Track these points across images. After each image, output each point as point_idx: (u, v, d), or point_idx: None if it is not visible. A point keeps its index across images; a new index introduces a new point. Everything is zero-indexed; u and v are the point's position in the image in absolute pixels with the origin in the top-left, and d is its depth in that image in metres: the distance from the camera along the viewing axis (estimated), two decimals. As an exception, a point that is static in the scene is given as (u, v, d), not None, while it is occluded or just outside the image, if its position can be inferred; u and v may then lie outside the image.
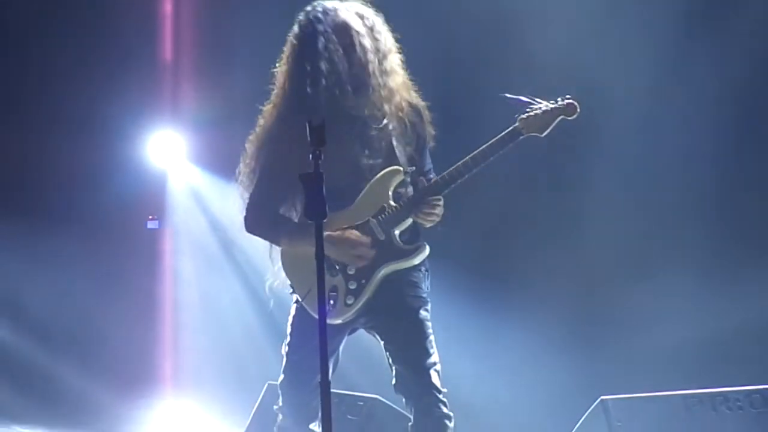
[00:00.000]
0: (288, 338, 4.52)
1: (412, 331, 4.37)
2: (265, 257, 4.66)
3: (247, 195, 4.51)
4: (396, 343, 4.39)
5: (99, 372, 8.47)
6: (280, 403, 4.55)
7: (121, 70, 8.57)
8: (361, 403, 5.71)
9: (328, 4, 4.47)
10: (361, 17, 4.46)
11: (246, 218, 4.52)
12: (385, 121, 4.43)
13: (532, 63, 6.68)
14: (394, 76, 4.48)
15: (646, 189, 6.96)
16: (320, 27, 4.41)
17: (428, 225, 4.42)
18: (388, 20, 4.55)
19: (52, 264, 8.53)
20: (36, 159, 8.74)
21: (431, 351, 4.37)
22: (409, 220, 4.41)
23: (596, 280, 6.93)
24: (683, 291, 6.62)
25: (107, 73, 8.56)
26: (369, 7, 4.51)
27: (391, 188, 4.40)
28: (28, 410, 8.15)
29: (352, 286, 4.36)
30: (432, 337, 4.39)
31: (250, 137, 4.56)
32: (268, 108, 4.55)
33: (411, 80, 4.58)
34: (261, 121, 4.55)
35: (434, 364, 4.35)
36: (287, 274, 4.48)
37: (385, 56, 4.45)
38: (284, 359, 4.51)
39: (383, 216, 4.38)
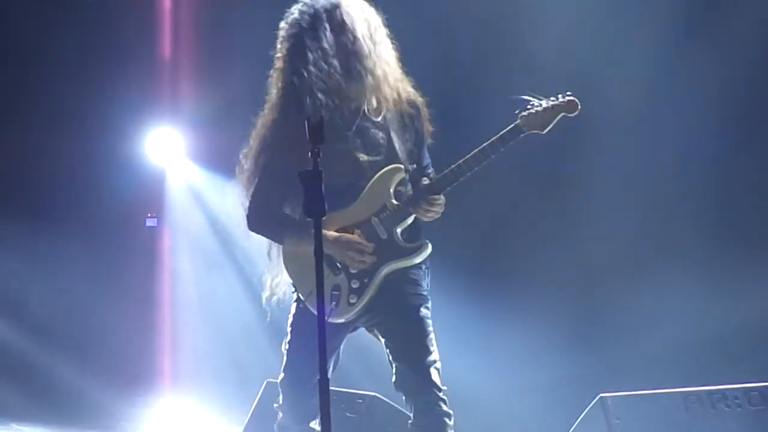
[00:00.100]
0: (288, 337, 4.52)
1: (413, 329, 4.37)
2: (264, 255, 4.66)
3: (249, 194, 4.50)
4: (396, 341, 4.39)
5: (97, 369, 8.47)
6: (281, 402, 4.54)
7: (119, 68, 8.58)
8: (360, 401, 5.71)
9: None
10: (350, 4, 4.45)
11: (248, 217, 4.51)
12: (383, 114, 4.43)
13: (531, 63, 6.68)
14: (387, 64, 4.46)
15: (646, 188, 6.97)
16: (306, 18, 4.40)
17: (427, 219, 4.43)
18: (389, 20, 4.54)
19: (50, 262, 8.54)
20: (35, 157, 8.75)
21: (431, 349, 4.36)
22: (411, 219, 4.41)
23: (596, 279, 6.93)
24: (683, 289, 6.63)
25: (106, 71, 8.56)
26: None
27: (392, 186, 4.40)
28: (27, 408, 8.14)
29: (355, 285, 4.36)
30: (432, 335, 4.39)
31: (251, 135, 4.55)
32: (267, 105, 4.55)
33: (411, 80, 4.58)
34: (260, 119, 4.54)
35: (434, 362, 4.35)
36: (289, 273, 4.48)
37: (376, 44, 4.44)
38: (285, 358, 4.50)
39: (385, 215, 4.38)
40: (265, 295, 4.64)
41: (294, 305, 4.53)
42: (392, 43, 4.52)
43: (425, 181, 4.42)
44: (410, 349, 4.35)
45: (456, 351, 5.35)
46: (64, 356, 8.54)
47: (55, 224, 8.59)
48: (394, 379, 4.40)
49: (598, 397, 5.40)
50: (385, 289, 4.36)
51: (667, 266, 6.77)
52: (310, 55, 4.37)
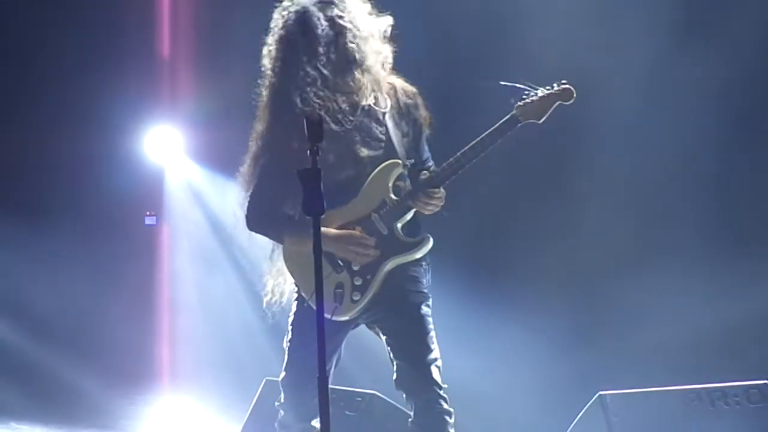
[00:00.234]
0: (289, 335, 4.52)
1: (414, 327, 4.38)
2: (264, 254, 4.66)
3: (248, 194, 4.49)
4: (397, 339, 4.40)
5: (96, 367, 8.46)
6: (282, 400, 4.55)
7: (119, 66, 8.58)
8: (360, 399, 5.70)
9: None
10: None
11: (247, 216, 4.50)
12: (381, 107, 4.43)
13: (531, 63, 6.67)
14: (383, 56, 4.46)
15: (645, 187, 6.97)
16: (296, 15, 4.39)
17: (428, 212, 4.43)
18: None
19: (50, 260, 8.54)
20: (34, 155, 8.75)
21: (432, 347, 4.37)
22: (411, 214, 4.41)
23: (595, 277, 6.94)
24: (682, 287, 6.64)
25: (105, 69, 8.56)
26: None
27: (391, 181, 4.39)
28: (26, 407, 8.14)
29: (358, 282, 4.36)
30: (433, 333, 4.40)
31: (251, 137, 4.54)
32: (261, 106, 4.53)
33: (409, 76, 4.59)
34: (256, 121, 4.54)
35: (435, 359, 4.36)
36: (291, 273, 4.47)
37: (369, 36, 4.42)
38: (286, 356, 4.51)
39: (384, 210, 4.38)
40: (266, 298, 4.64)
41: (295, 304, 4.53)
42: (389, 35, 4.50)
43: (424, 174, 4.42)
44: (411, 347, 4.36)
45: (456, 349, 5.35)
46: (63, 354, 8.53)
47: (54, 222, 8.59)
48: (394, 376, 4.41)
49: (597, 394, 5.40)
50: (386, 286, 4.36)
51: (666, 265, 6.78)
52: (301, 53, 4.36)
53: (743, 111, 6.76)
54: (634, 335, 6.81)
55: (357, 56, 4.39)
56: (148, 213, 8.97)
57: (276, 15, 4.49)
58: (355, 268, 4.37)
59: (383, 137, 4.42)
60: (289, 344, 4.50)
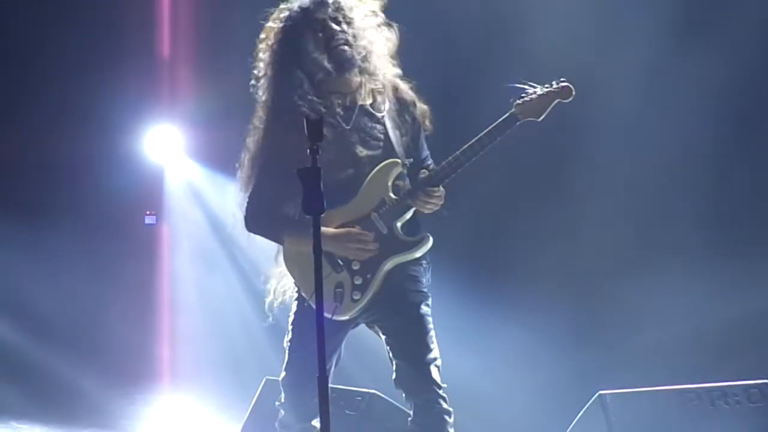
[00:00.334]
0: (289, 335, 4.52)
1: (413, 326, 4.38)
2: (264, 254, 4.66)
3: (246, 194, 4.49)
4: (397, 338, 4.40)
5: (97, 367, 8.46)
6: (282, 399, 4.55)
7: (119, 66, 8.58)
8: (360, 399, 5.70)
9: None
10: None
11: (246, 218, 4.49)
12: (380, 106, 4.43)
13: (530, 62, 6.67)
14: (381, 55, 4.45)
15: (645, 187, 6.98)
16: (294, 15, 4.40)
17: (427, 211, 4.43)
18: (387, 15, 4.54)
19: (50, 260, 8.53)
20: (34, 155, 8.75)
21: (432, 346, 4.37)
22: (410, 213, 4.41)
23: (595, 277, 6.94)
24: (682, 286, 6.64)
25: (105, 68, 8.56)
26: None
27: (390, 181, 4.39)
28: (26, 407, 8.14)
29: (358, 282, 4.36)
30: (432, 332, 4.40)
31: (249, 134, 4.54)
32: (259, 106, 4.52)
33: (409, 76, 4.59)
34: (255, 122, 4.53)
35: (434, 359, 4.36)
36: (291, 273, 4.47)
37: (367, 35, 4.42)
38: (286, 356, 4.51)
39: (384, 209, 4.38)
40: (269, 299, 4.64)
41: (295, 303, 4.53)
42: (388, 32, 4.50)
43: (424, 173, 4.42)
44: (410, 346, 4.36)
45: (456, 349, 5.35)
46: (63, 354, 8.53)
47: (54, 221, 8.59)
48: (394, 376, 4.41)
49: (597, 394, 5.40)
50: (386, 285, 4.36)
51: (666, 265, 6.79)
52: (300, 53, 4.36)
53: (743, 111, 6.76)
54: (634, 335, 6.81)
55: (355, 56, 4.39)
56: (148, 213, 8.97)
57: (275, 14, 4.49)
58: (355, 268, 4.37)
59: (382, 137, 4.43)
60: (289, 344, 4.51)
